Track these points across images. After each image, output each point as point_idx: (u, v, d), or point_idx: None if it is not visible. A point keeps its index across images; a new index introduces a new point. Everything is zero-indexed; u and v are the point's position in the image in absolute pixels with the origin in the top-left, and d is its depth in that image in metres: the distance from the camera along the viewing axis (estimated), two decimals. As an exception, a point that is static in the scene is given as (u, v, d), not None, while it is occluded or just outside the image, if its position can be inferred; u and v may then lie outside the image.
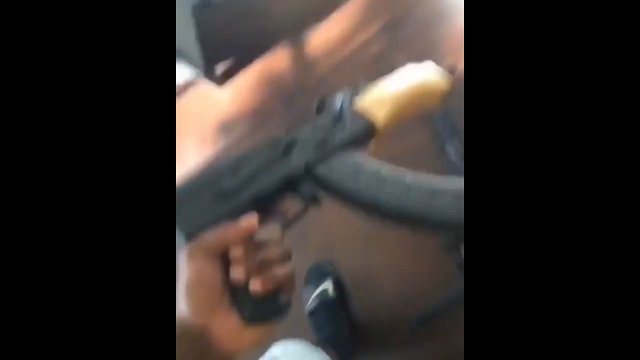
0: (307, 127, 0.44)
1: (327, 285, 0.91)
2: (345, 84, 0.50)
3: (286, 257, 0.36)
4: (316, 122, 0.45)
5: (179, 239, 0.36)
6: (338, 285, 0.92)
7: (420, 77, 0.51)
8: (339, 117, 0.45)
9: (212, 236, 0.35)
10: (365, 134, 0.46)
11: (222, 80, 1.20)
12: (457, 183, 0.41)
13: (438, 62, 0.55)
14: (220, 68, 1.21)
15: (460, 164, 0.87)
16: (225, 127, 1.19)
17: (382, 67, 0.54)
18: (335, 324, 0.87)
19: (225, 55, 1.21)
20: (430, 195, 0.40)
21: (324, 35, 1.12)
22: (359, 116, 0.46)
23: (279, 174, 0.41)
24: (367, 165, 0.43)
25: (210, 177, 0.39)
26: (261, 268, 0.34)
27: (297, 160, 0.42)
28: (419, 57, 0.59)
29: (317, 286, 0.91)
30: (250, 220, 0.35)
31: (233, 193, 0.38)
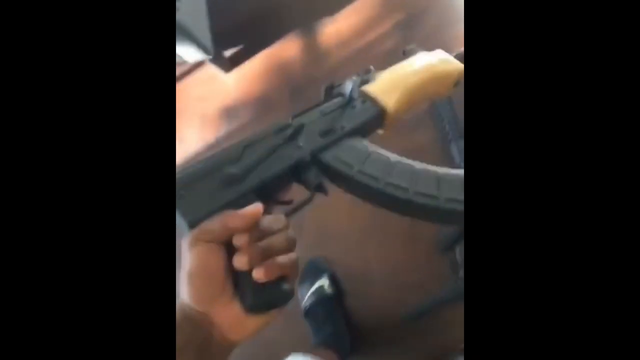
0: (314, 112, 0.43)
1: (324, 282, 0.90)
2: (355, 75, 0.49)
3: (291, 245, 0.35)
4: (324, 108, 0.43)
5: (182, 225, 0.34)
6: (334, 281, 0.92)
7: (432, 63, 0.49)
8: (348, 103, 0.44)
9: (216, 223, 0.34)
10: (375, 120, 0.45)
11: (229, 65, 1.19)
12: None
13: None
14: (228, 53, 1.20)
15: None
16: (229, 113, 1.18)
17: (394, 63, 0.53)
18: (333, 321, 0.86)
19: (235, 40, 1.20)
20: (439, 182, 0.39)
21: (336, 28, 1.11)
22: (369, 102, 0.45)
23: (285, 160, 0.39)
24: (375, 152, 0.41)
25: (214, 164, 0.37)
26: (265, 256, 0.33)
27: (303, 146, 0.40)
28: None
29: (312, 283, 0.90)
30: (255, 207, 0.34)
31: (237, 180, 0.37)
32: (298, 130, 0.40)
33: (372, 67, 0.48)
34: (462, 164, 0.85)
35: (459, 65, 0.51)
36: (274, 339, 0.85)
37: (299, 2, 1.15)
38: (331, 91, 0.45)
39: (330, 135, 0.41)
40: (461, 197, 0.38)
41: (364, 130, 0.44)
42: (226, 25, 1.18)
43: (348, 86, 0.44)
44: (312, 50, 1.12)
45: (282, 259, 0.34)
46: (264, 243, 0.34)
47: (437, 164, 0.41)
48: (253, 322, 0.34)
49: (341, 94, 0.45)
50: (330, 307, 0.88)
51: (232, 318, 0.33)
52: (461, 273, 0.83)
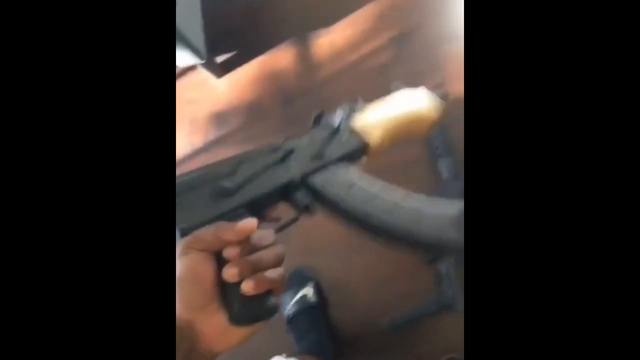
0: (305, 137, 0.46)
1: (308, 291, 0.91)
2: (346, 91, 0.51)
3: (279, 260, 0.36)
4: (314, 134, 0.47)
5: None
6: (318, 290, 0.92)
7: (412, 106, 0.54)
8: (336, 132, 0.47)
9: (209, 233, 0.34)
10: (359, 151, 0.49)
11: (221, 71, 1.19)
12: (445, 206, 0.43)
13: (438, 80, 0.57)
14: (220, 59, 1.20)
15: (451, 183, 0.88)
16: (219, 118, 1.18)
17: (385, 79, 0.55)
18: (317, 330, 0.87)
19: (228, 46, 1.20)
20: (418, 216, 0.42)
21: (330, 40, 1.12)
22: (355, 135, 0.49)
23: (276, 180, 0.42)
24: (360, 181, 0.44)
25: (209, 175, 0.39)
26: (254, 270, 0.34)
27: (294, 168, 0.43)
28: (420, 74, 0.60)
29: (296, 292, 0.91)
30: (250, 222, 0.35)
31: (230, 194, 0.39)
32: (289, 152, 0.43)
33: (359, 99, 0.53)
34: (449, 180, 0.87)
35: (438, 106, 0.56)
36: (258, 348, 0.84)
37: (295, 11, 1.17)
38: (320, 119, 0.49)
39: (318, 160, 0.44)
40: (441, 229, 0.41)
41: (349, 158, 0.47)
42: (220, 31, 1.18)
43: (337, 116, 0.48)
44: (306, 61, 1.13)
45: (270, 273, 0.35)
46: (254, 257, 0.35)
47: (425, 179, 0.44)
48: (237, 333, 0.35)
49: (329, 124, 0.49)
50: (314, 315, 0.88)
51: (217, 328, 0.34)
52: (444, 285, 0.84)
